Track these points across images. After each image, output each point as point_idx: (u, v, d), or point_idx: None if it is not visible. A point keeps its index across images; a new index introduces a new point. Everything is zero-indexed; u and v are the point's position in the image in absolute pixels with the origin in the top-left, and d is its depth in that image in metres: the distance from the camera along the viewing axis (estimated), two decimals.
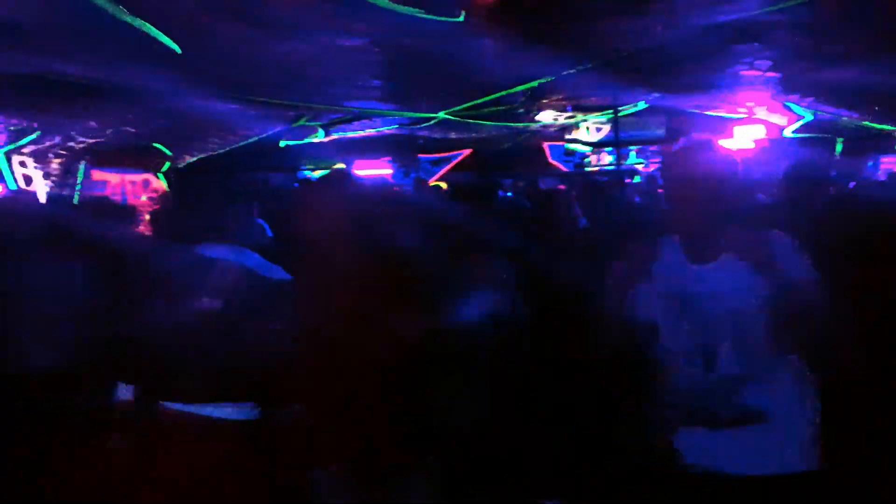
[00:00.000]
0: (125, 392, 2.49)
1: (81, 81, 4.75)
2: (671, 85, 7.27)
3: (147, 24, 3.11)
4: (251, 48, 3.74)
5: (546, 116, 9.35)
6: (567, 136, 11.30)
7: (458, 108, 6.87)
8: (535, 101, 7.40)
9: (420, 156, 12.84)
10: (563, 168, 13.19)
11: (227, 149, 8.91)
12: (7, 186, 6.71)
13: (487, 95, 6.29)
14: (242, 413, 2.24)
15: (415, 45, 3.87)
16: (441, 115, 7.14)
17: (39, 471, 2.92)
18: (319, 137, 10.17)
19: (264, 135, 8.75)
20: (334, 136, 10.23)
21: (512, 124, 8.69)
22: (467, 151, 12.84)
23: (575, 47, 4.88)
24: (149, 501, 2.21)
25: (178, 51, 3.60)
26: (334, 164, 13.38)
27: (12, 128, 5.96)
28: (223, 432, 2.20)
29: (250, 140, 8.88)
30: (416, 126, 8.60)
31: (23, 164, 6.99)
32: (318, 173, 13.40)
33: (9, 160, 6.86)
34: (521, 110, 7.87)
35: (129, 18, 2.96)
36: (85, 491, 2.72)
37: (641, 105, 9.44)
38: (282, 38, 3.76)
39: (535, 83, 6.09)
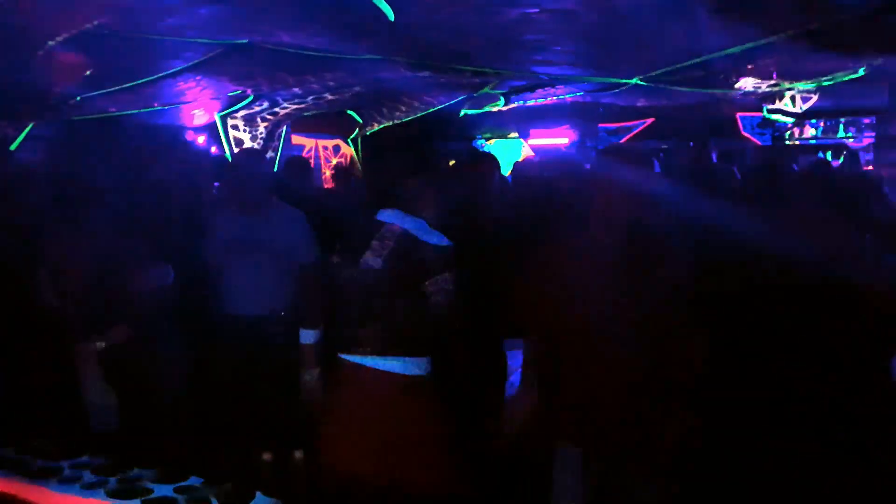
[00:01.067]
0: (307, 337, 2.82)
1: (290, 50, 5.02)
2: None
3: None
4: (462, 12, 3.69)
5: (746, 83, 8.52)
6: (768, 107, 10.24)
7: (654, 73, 6.44)
8: (741, 66, 6.73)
9: (599, 125, 12.37)
10: (756, 141, 12.10)
11: (411, 117, 9.14)
12: (218, 145, 7.41)
13: (690, 59, 5.82)
14: (408, 367, 2.34)
15: (626, 4, 3.62)
16: (634, 80, 6.74)
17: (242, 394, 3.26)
18: (499, 106, 10.10)
19: (448, 104, 8.85)
20: (513, 105, 10.11)
21: (708, 90, 8.01)
22: (650, 120, 12.17)
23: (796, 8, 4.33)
24: (331, 435, 2.40)
25: (392, 17, 3.65)
26: (510, 133, 13.31)
27: (230, 94, 6.50)
28: (391, 383, 2.31)
29: (434, 109, 9.03)
30: (601, 93, 8.22)
31: (235, 127, 7.66)
32: (492, 142, 13.40)
33: (224, 124, 7.56)
34: (722, 76, 7.21)
35: None
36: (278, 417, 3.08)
37: (861, 72, 8.30)
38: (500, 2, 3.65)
39: (744, 46, 5.53)
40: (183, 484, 1.86)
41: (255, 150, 7.06)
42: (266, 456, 3.38)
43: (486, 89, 8.15)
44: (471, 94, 8.31)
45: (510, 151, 12.25)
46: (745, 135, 12.15)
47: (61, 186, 3.71)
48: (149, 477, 1.89)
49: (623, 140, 12.81)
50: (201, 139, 7.94)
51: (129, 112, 6.24)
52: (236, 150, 7.72)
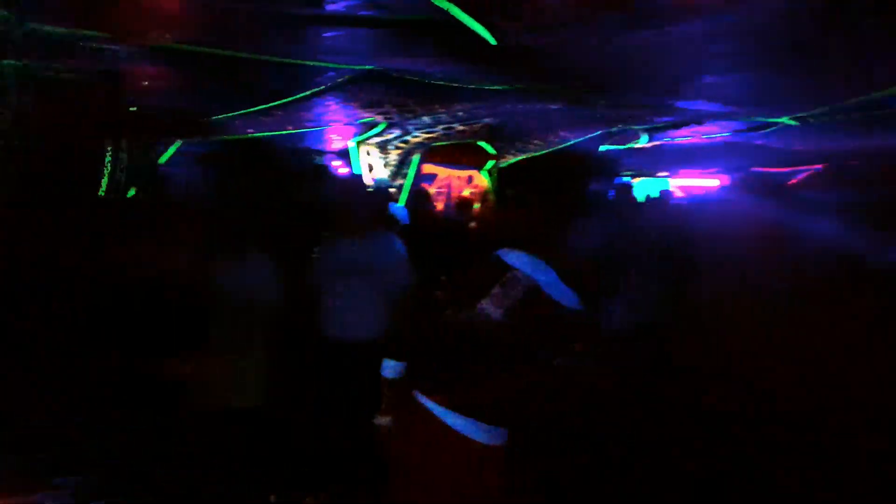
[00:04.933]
0: (388, 370, 2.50)
1: (411, 77, 5.04)
2: None
3: (460, 11, 3.03)
4: (593, 38, 3.40)
5: None
6: None
7: (810, 113, 5.72)
8: None
9: (755, 168, 11.39)
10: None
11: (546, 151, 8.91)
12: (352, 170, 7.64)
13: (853, 97, 5.09)
14: (480, 433, 2.05)
15: (780, 29, 3.15)
16: (784, 119, 6.04)
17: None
18: (642, 143, 9.59)
19: (585, 138, 8.54)
20: (658, 143, 9.55)
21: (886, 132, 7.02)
22: (818, 166, 10.99)
23: None
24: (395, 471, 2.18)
25: (493, 41, 3.49)
26: (656, 173, 12.63)
27: (360, 121, 6.68)
28: (459, 444, 2.04)
29: (570, 143, 8.74)
30: (752, 133, 7.50)
31: (368, 153, 7.88)
32: (637, 181, 12.79)
33: (358, 149, 7.80)
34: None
35: (444, 4, 2.91)
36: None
37: None
38: (637, 25, 3.33)
39: None
40: None
41: (359, 176, 7.20)
42: (272, 498, 3.28)
43: (624, 125, 7.76)
44: (607, 129, 7.95)
45: (651, 190, 11.65)
46: None
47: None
48: None
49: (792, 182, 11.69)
50: (337, 164, 8.26)
51: (266, 134, 6.60)
52: (369, 175, 7.94)
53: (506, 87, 5.32)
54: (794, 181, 11.51)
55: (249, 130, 6.30)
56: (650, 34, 3.51)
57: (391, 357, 2.48)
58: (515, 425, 2.09)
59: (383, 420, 2.47)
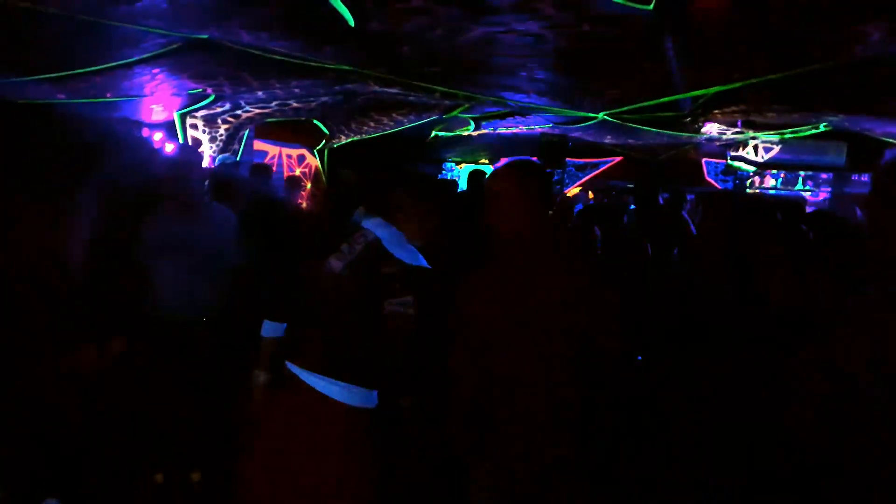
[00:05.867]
0: (268, 330, 2.48)
1: (254, 51, 4.86)
2: (864, 107, 6.40)
3: None
4: (427, 25, 3.57)
5: (712, 129, 8.65)
6: (731, 154, 10.40)
7: (621, 109, 6.43)
8: (707, 110, 6.78)
9: (567, 158, 12.45)
10: (718, 186, 12.32)
11: (380, 133, 9.02)
12: (179, 143, 7.16)
13: (657, 98, 5.82)
14: (353, 396, 2.14)
15: (595, 32, 3.55)
16: (601, 115, 6.73)
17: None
18: (469, 130, 10.06)
19: (418, 123, 8.76)
20: (483, 131, 10.07)
21: (674, 133, 8.07)
22: (618, 158, 12.29)
23: (781, 54, 4.34)
24: (250, 455, 2.20)
25: (352, 23, 3.52)
26: (479, 159, 13.29)
27: (189, 91, 6.29)
28: (329, 410, 2.11)
29: (404, 127, 8.92)
30: (570, 126, 8.22)
31: (194, 126, 7.42)
32: (461, 167, 13.35)
33: (183, 122, 7.32)
34: (689, 119, 7.27)
35: None
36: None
37: (822, 127, 8.49)
38: (473, 19, 3.52)
39: (713, 90, 5.56)
40: None
41: (192, 148, 6.86)
42: (158, 477, 3.18)
43: (457, 112, 8.09)
44: (440, 115, 8.24)
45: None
46: (709, 180, 12.37)
47: None
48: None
49: (589, 177, 12.93)
50: (158, 136, 7.68)
51: (80, 101, 5.96)
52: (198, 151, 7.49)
53: (348, 67, 5.33)
54: (598, 171, 12.80)
55: (60, 96, 5.66)
56: (491, 29, 3.76)
57: (269, 318, 2.49)
58: (371, 383, 2.19)
59: (261, 376, 2.47)
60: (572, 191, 12.82)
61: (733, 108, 7.05)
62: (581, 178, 12.95)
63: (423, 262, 2.20)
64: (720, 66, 4.74)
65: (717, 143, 9.95)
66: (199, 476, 3.16)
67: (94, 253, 3.43)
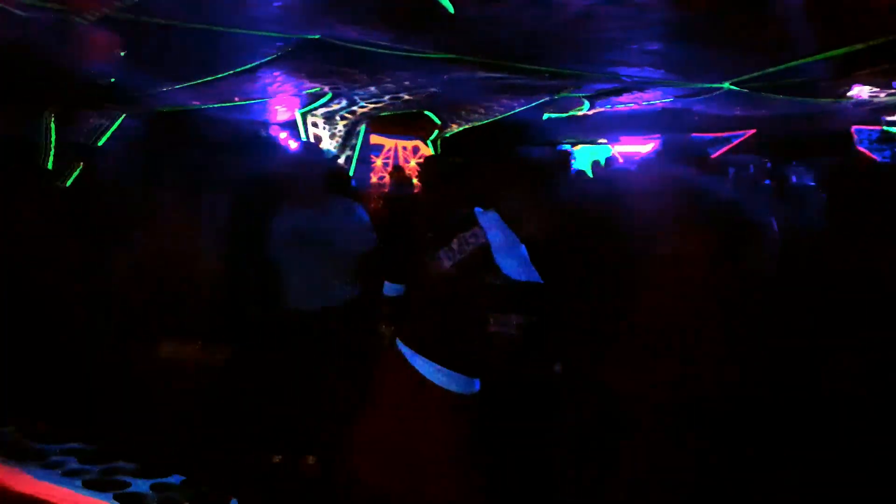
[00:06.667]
0: (389, 289, 2.85)
1: (362, 47, 5.00)
2: None
3: None
4: (521, 4, 3.50)
5: (861, 92, 7.78)
6: (886, 118, 9.33)
7: (746, 77, 5.97)
8: (848, 71, 6.13)
9: (693, 134, 11.76)
10: (875, 158, 11.10)
11: (490, 120, 8.99)
12: (301, 141, 7.56)
13: (784, 63, 5.34)
14: (452, 382, 2.14)
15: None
16: (725, 85, 6.29)
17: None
18: (584, 110, 9.77)
19: (528, 107, 8.63)
20: (599, 109, 9.74)
21: (812, 99, 7.37)
22: (751, 131, 11.45)
23: None
24: (358, 438, 2.27)
25: (451, 10, 3.52)
26: (597, 140, 12.90)
27: (307, 91, 6.60)
28: (432, 395, 2.13)
29: (514, 112, 8.83)
30: (692, 98, 7.75)
31: (315, 124, 7.80)
32: (578, 148, 13.02)
33: (304, 120, 7.71)
34: (827, 83, 6.60)
35: None
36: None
37: None
38: None
39: (847, 49, 5.01)
40: (161, 481, 1.79)
41: (314, 145, 7.16)
42: (276, 459, 3.38)
43: (567, 92, 7.88)
44: (551, 96, 8.06)
45: (596, 157, 11.87)
46: (861, 149, 11.17)
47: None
48: (130, 470, 1.83)
49: (719, 153, 12.13)
50: (283, 135, 8.14)
51: (212, 106, 6.44)
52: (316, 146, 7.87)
53: (451, 56, 5.35)
54: (729, 146, 11.98)
55: (195, 102, 6.15)
56: (586, 3, 3.60)
57: (390, 280, 2.84)
58: (477, 375, 2.19)
59: (384, 329, 2.76)
60: None
61: (884, 66, 6.31)
62: (710, 154, 12.22)
63: (535, 276, 2.06)
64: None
65: (866, 109, 8.96)
66: (314, 460, 3.32)
67: (227, 246, 3.70)
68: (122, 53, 4.07)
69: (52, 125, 4.96)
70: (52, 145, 4.88)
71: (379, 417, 2.26)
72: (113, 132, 6.27)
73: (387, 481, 2.18)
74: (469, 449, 2.17)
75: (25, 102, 5.13)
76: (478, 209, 2.24)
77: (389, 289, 2.92)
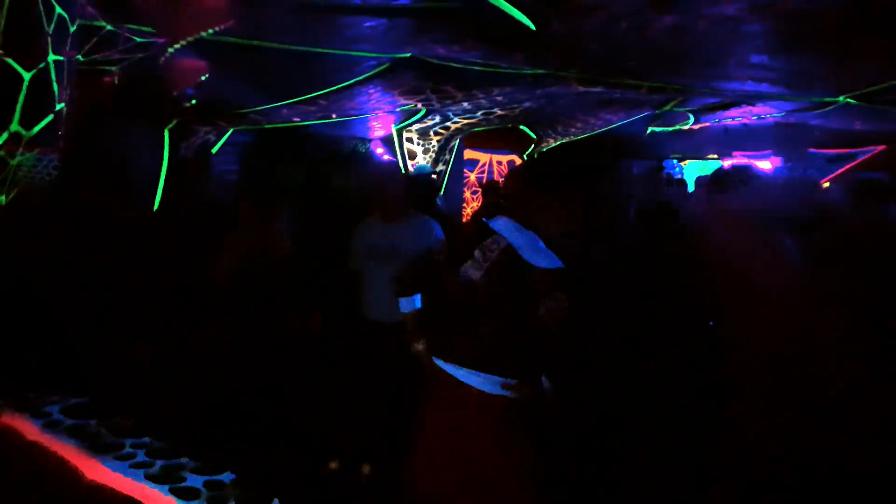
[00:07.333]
0: (404, 305, 2.81)
1: (452, 64, 5.08)
2: None
3: None
4: (625, 22, 3.42)
5: None
6: None
7: (866, 90, 5.52)
8: None
9: (811, 150, 10.99)
10: None
11: (588, 134, 8.83)
12: (391, 157, 7.75)
13: None
14: (487, 385, 2.16)
15: (803, 5, 3.11)
16: (841, 99, 5.85)
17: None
18: (689, 124, 9.39)
19: (628, 121, 8.41)
20: (706, 124, 9.33)
21: None
22: (880, 147, 10.53)
23: None
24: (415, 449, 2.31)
25: (532, 27, 3.51)
26: (707, 154, 12.35)
27: (401, 108, 6.76)
28: (471, 398, 2.16)
29: (613, 126, 8.63)
30: (807, 112, 7.26)
31: (409, 140, 7.97)
32: (686, 164, 12.53)
33: (399, 136, 7.90)
34: None
35: None
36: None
37: None
38: (663, 8, 3.33)
39: None
40: (213, 478, 1.89)
41: (394, 162, 7.32)
42: (332, 465, 3.45)
43: (670, 106, 7.61)
44: (652, 111, 7.81)
45: (703, 172, 11.38)
46: None
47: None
48: (189, 466, 1.95)
49: (842, 170, 11.28)
50: (380, 150, 8.38)
51: (311, 122, 6.74)
52: (410, 162, 8.03)
53: (544, 71, 5.31)
54: (854, 163, 11.10)
55: (295, 119, 6.46)
56: (681, 17, 3.46)
57: (398, 294, 2.82)
58: (512, 373, 2.18)
59: (419, 346, 2.79)
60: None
61: None
62: (833, 171, 11.36)
63: (560, 265, 2.16)
64: None
65: None
66: (369, 469, 3.38)
67: (315, 252, 3.89)
68: (224, 74, 4.35)
69: (167, 139, 5.38)
70: (166, 157, 5.30)
71: (433, 430, 2.28)
72: (222, 146, 6.70)
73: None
74: (534, 456, 2.16)
75: (151, 121, 5.61)
76: (484, 219, 2.35)
77: (405, 305, 2.82)
